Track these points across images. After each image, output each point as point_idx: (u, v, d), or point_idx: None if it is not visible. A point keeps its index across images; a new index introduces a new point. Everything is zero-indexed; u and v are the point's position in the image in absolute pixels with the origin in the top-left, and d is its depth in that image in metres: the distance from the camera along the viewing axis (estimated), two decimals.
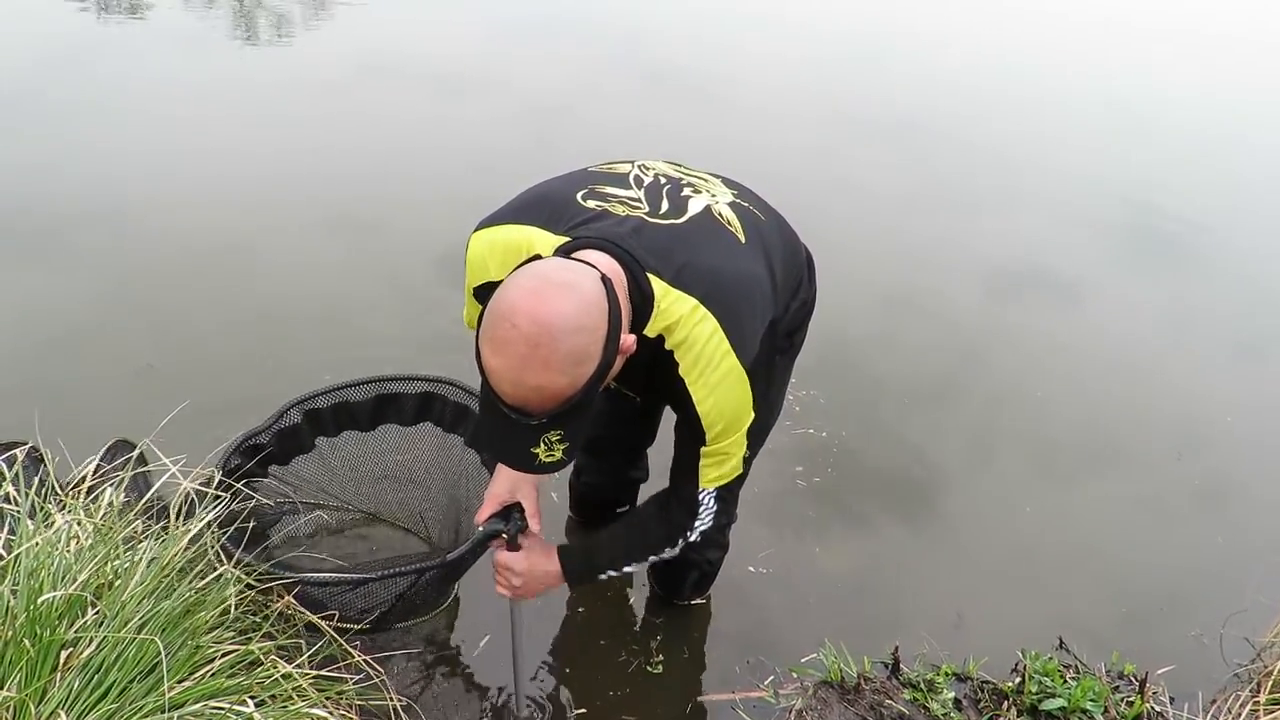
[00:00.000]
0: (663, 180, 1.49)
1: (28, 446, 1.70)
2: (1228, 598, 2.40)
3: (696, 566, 2.13)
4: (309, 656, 1.54)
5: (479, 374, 1.21)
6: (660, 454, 2.06)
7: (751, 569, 2.34)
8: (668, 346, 1.36)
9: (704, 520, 1.57)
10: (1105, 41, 8.20)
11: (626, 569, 1.64)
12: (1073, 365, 3.43)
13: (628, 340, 1.25)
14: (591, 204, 1.41)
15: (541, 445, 1.22)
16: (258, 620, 1.58)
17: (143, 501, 1.66)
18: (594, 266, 1.24)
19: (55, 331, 2.91)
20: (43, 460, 1.77)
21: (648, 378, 1.42)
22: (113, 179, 3.92)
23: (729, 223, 1.46)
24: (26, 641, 1.29)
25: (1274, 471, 3.01)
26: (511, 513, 1.60)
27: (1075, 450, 2.98)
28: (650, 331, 1.35)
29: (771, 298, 1.45)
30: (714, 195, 1.50)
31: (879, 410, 3.03)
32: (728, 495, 1.57)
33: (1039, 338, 3.58)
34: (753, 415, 1.44)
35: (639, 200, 1.43)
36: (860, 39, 7.38)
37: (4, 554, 1.42)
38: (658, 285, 1.33)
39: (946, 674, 2.07)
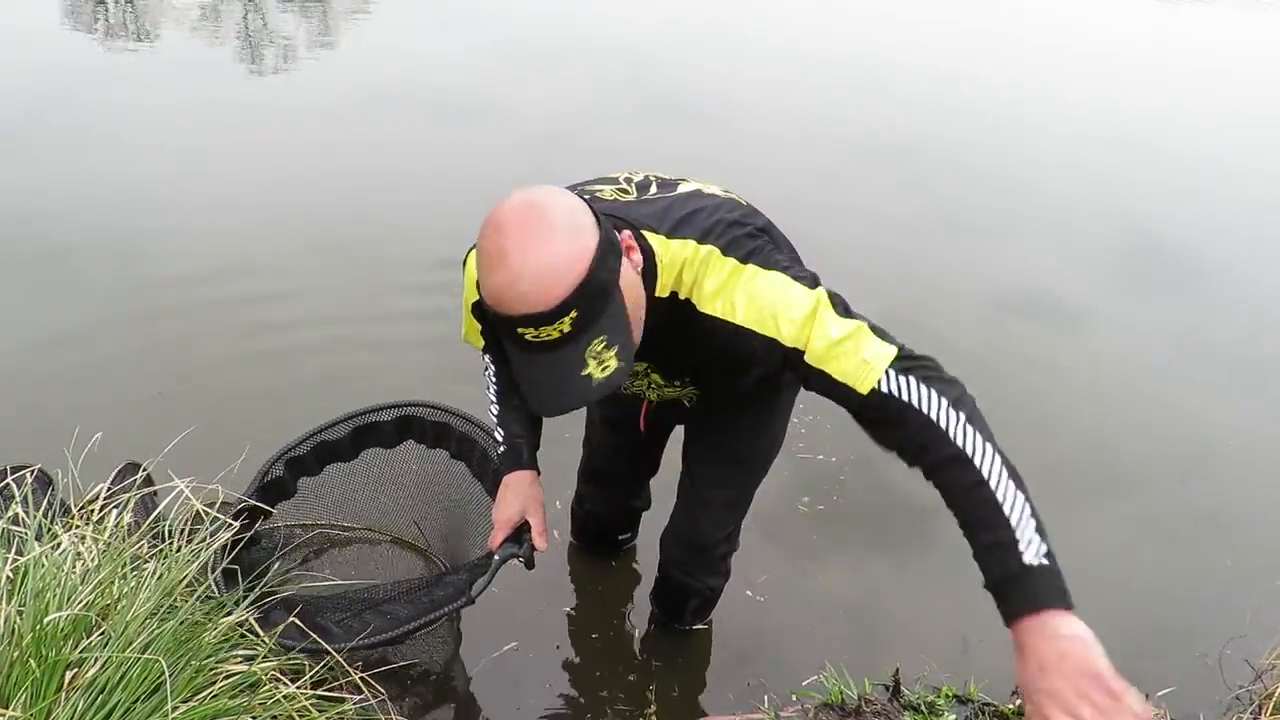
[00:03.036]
0: (652, 178, 1.49)
1: (36, 468, 1.72)
2: (1228, 620, 2.39)
3: (698, 594, 2.11)
4: (310, 678, 1.55)
5: (488, 330, 1.15)
6: (661, 481, 2.08)
7: (749, 593, 2.35)
8: (683, 295, 1.29)
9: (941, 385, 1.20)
10: (1107, 71, 8.29)
11: None
12: (1075, 390, 3.44)
13: (632, 248, 1.20)
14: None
15: (591, 361, 1.09)
16: (259, 641, 1.59)
17: (147, 522, 1.67)
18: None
19: (64, 357, 2.93)
20: (50, 483, 1.79)
21: (686, 349, 1.34)
22: (118, 205, 3.97)
23: (722, 194, 1.45)
24: (32, 661, 1.30)
25: (1275, 495, 3.01)
26: (522, 535, 1.61)
27: (1077, 474, 2.99)
28: (660, 291, 1.29)
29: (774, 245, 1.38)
30: (706, 184, 1.49)
31: None
32: (906, 370, 1.21)
33: (1041, 362, 3.59)
34: (810, 285, 1.24)
35: (628, 190, 1.41)
36: (862, 65, 7.46)
37: (11, 575, 1.43)
38: (655, 240, 1.29)
39: (947, 696, 2.07)
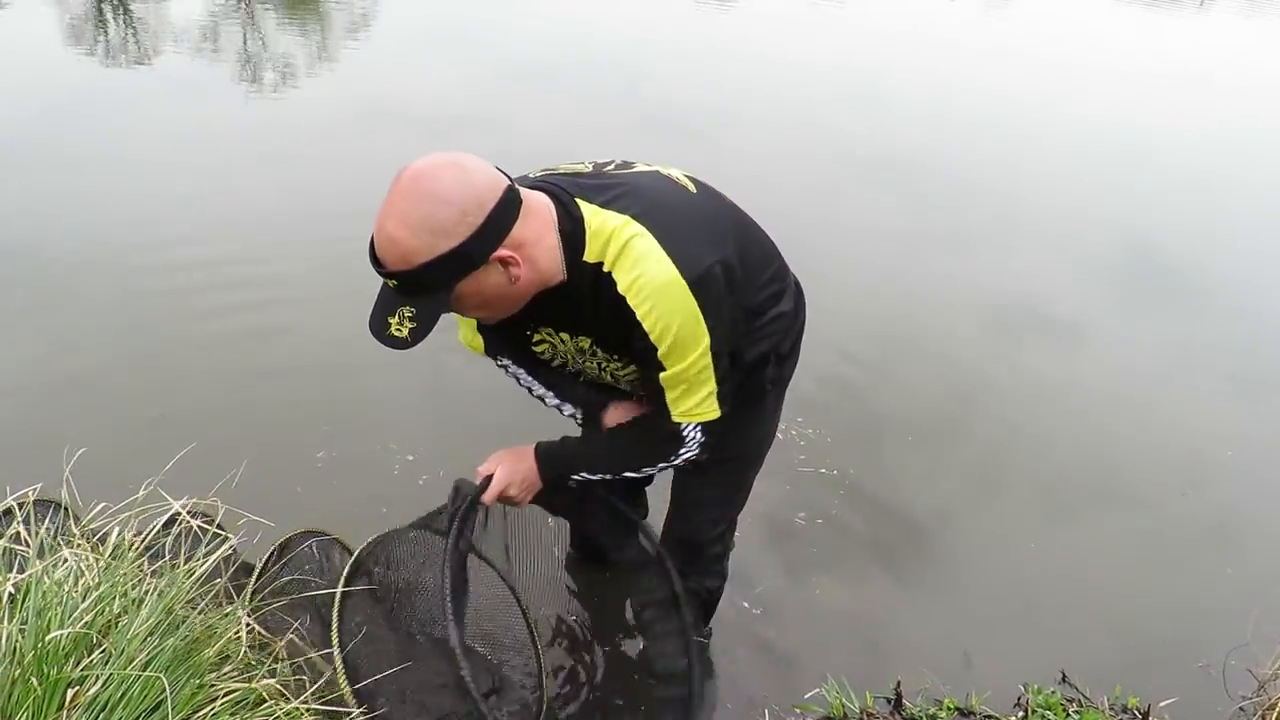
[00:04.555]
0: (616, 160, 1.54)
1: (39, 487, 1.72)
2: (1230, 631, 2.39)
3: (695, 595, 2.11)
4: (311, 693, 1.55)
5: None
6: (656, 494, 2.08)
7: (747, 604, 2.35)
8: (605, 268, 1.37)
9: (690, 449, 1.53)
10: (1103, 82, 8.33)
11: (600, 477, 1.61)
12: (1074, 402, 3.45)
13: (517, 264, 1.31)
14: (537, 175, 1.48)
15: (395, 317, 1.31)
16: (259, 659, 1.59)
17: (146, 538, 1.67)
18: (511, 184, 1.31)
19: (60, 374, 2.94)
20: (53, 503, 1.79)
21: (597, 313, 1.41)
22: (114, 223, 3.97)
23: (677, 180, 1.49)
24: (34, 680, 1.30)
25: (1275, 505, 3.01)
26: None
27: (1078, 487, 2.99)
28: (589, 256, 1.37)
29: (718, 237, 1.44)
30: (667, 167, 1.54)
31: (884, 448, 3.04)
32: (711, 433, 1.51)
33: (1040, 375, 3.60)
34: (708, 336, 1.40)
35: (586, 167, 1.49)
36: (858, 81, 7.50)
37: (13, 592, 1.43)
38: (586, 208, 1.37)
39: (949, 709, 2.06)
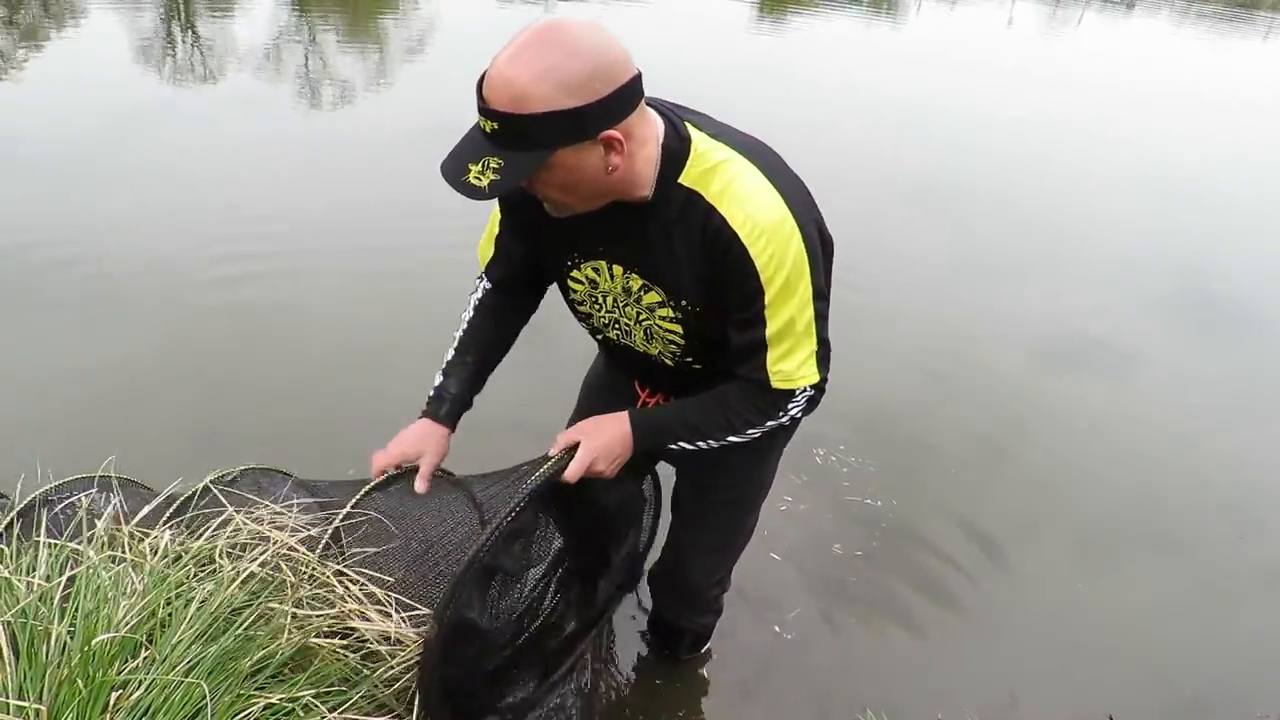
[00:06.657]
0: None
1: (92, 493, 1.76)
2: None
3: (691, 633, 2.09)
4: (348, 706, 1.55)
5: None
6: None
7: (778, 629, 2.31)
8: (708, 198, 1.30)
9: (797, 405, 1.45)
10: (1154, 111, 8.18)
11: (700, 445, 1.50)
12: (1125, 438, 3.36)
13: (620, 151, 1.23)
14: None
15: (479, 165, 1.22)
16: (297, 668, 1.60)
17: (198, 544, 1.70)
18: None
19: (113, 385, 3.00)
20: (104, 505, 1.83)
21: (668, 240, 1.34)
22: (173, 239, 4.07)
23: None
24: (80, 681, 1.33)
25: None
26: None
27: (1128, 526, 2.91)
28: (685, 179, 1.30)
29: (813, 202, 1.39)
30: None
31: (928, 480, 2.99)
32: (819, 389, 1.44)
33: (1090, 409, 3.52)
34: (813, 283, 1.33)
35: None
36: (903, 107, 7.46)
37: (64, 592, 1.47)
38: (695, 133, 1.32)
39: None
